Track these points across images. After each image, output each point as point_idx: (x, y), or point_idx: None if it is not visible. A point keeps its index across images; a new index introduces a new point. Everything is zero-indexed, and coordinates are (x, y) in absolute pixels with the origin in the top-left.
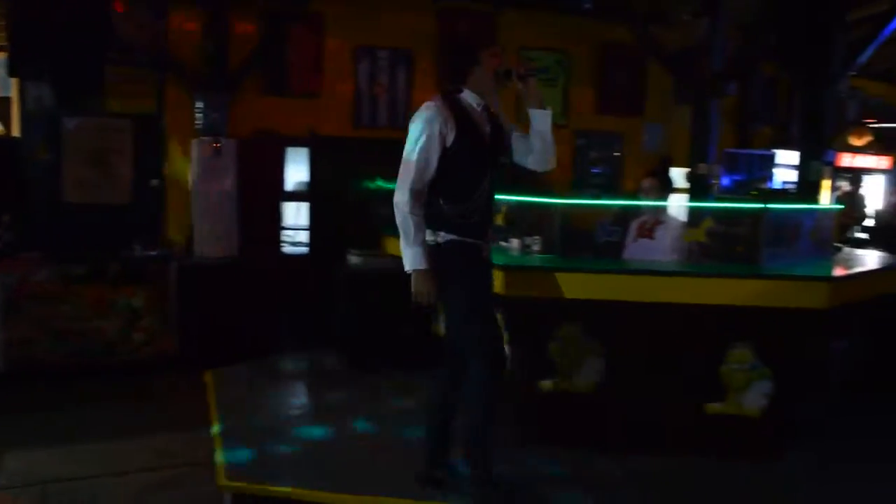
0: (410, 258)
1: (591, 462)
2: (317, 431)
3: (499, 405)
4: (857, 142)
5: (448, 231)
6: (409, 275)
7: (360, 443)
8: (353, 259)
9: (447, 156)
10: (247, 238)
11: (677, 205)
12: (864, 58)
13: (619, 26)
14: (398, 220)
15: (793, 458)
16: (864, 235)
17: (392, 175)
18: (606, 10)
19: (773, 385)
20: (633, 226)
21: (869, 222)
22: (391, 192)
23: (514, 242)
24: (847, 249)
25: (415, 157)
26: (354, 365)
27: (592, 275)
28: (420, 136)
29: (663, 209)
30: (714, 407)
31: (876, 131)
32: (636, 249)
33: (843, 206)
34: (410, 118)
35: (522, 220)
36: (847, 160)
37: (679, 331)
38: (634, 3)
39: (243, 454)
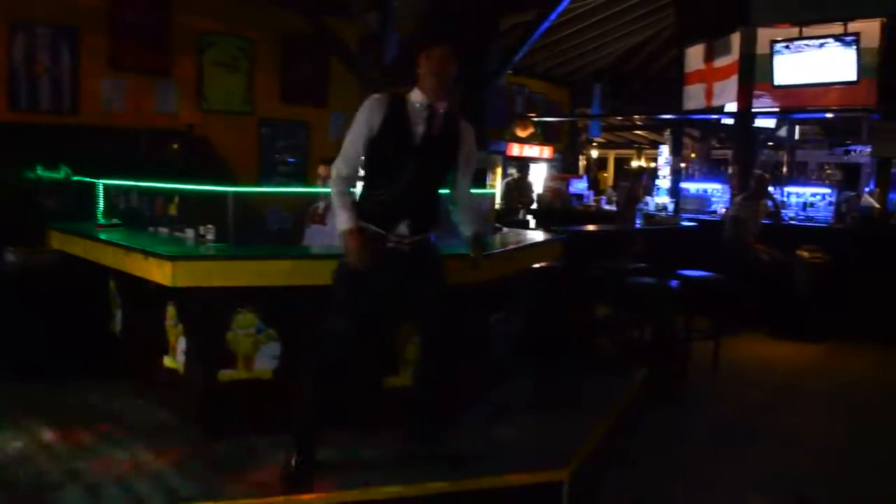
0: (338, 221)
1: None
2: None
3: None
4: (522, 133)
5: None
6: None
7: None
8: (10, 257)
9: (370, 145)
10: None
11: None
12: (517, 58)
13: (298, 16)
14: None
15: (469, 412)
16: (529, 217)
17: (53, 163)
18: None
19: (282, 347)
20: (309, 212)
21: (535, 206)
22: (54, 182)
23: (189, 232)
24: (507, 229)
25: (346, 142)
26: (16, 374)
27: (262, 262)
28: (353, 123)
29: None
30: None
31: (538, 124)
32: (311, 235)
33: (504, 191)
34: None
35: (196, 209)
36: (516, 150)
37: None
38: None
39: None
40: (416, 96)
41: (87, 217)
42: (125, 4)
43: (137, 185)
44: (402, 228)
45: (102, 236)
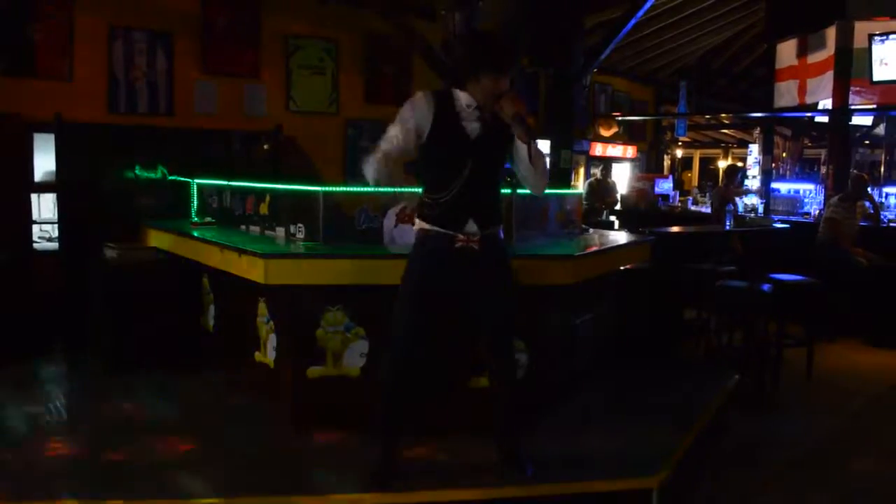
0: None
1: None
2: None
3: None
4: (605, 132)
5: (421, 220)
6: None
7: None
8: (110, 253)
9: (422, 145)
10: None
11: None
12: (602, 56)
13: (383, 17)
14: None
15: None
16: (613, 218)
17: (150, 163)
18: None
19: (370, 344)
20: (392, 212)
21: (618, 206)
22: (151, 182)
23: (279, 231)
24: (593, 231)
25: (388, 131)
26: (112, 366)
27: (351, 260)
28: (398, 116)
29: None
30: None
31: (622, 123)
32: (399, 234)
33: (587, 192)
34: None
35: (287, 208)
36: (599, 150)
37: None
38: None
39: None
40: (466, 98)
41: (182, 215)
42: (217, 10)
43: (230, 185)
44: (471, 226)
45: (197, 234)
